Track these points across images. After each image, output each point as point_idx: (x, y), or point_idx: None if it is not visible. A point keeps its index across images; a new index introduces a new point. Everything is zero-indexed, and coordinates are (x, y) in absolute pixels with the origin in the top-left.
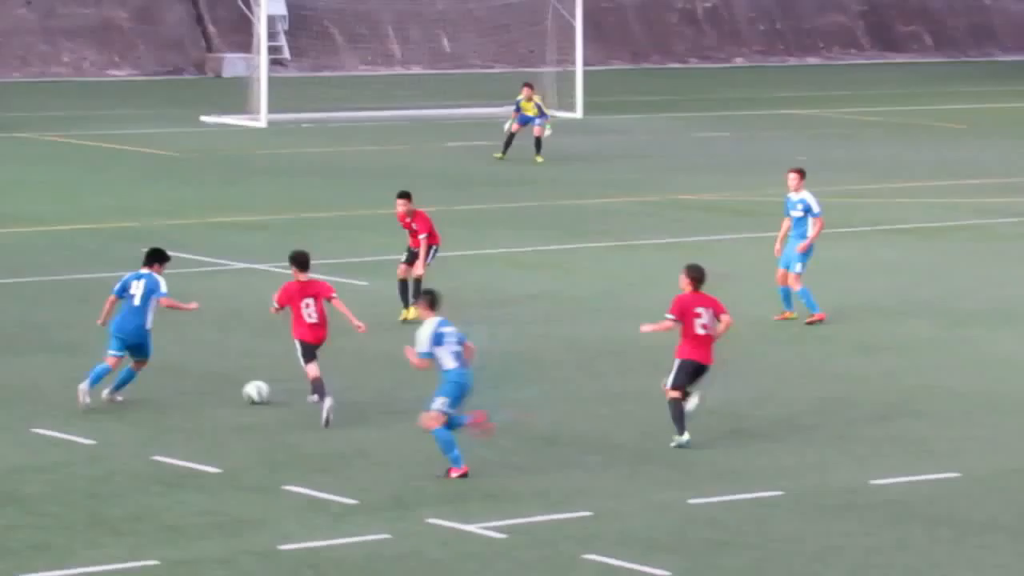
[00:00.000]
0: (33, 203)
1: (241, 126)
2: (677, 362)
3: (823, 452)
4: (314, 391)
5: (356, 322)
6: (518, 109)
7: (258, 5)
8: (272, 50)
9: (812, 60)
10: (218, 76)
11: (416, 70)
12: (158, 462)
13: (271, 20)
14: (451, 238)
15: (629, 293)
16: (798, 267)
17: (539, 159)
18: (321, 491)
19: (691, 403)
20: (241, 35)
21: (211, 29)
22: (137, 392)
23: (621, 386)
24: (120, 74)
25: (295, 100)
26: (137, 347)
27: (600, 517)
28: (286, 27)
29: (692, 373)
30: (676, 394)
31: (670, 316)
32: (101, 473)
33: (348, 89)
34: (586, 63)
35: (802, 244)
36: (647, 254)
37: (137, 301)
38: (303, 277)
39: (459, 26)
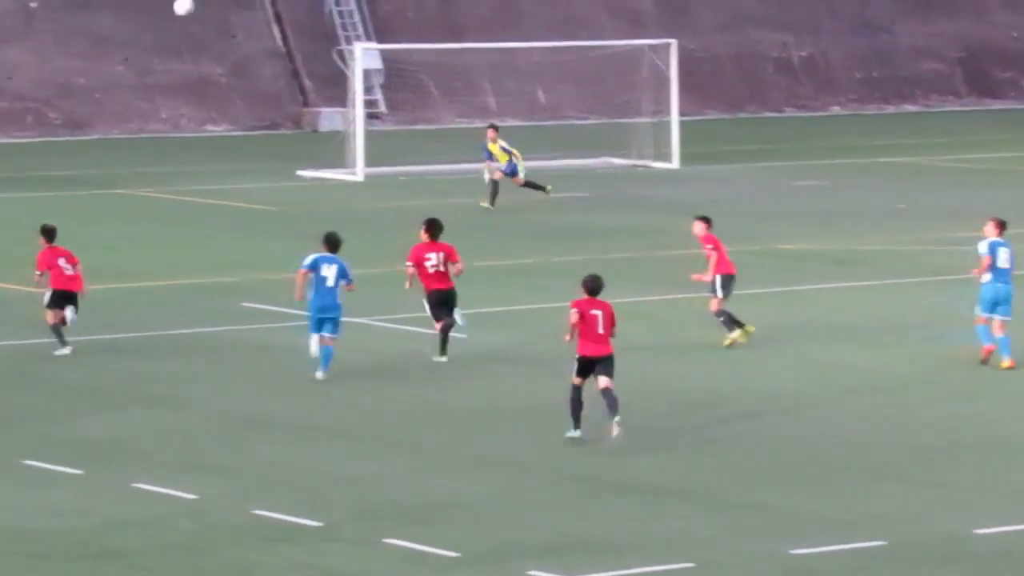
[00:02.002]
0: (132, 259)
1: (338, 180)
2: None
3: (925, 500)
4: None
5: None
6: (489, 156)
7: (354, 60)
8: (368, 104)
9: (909, 107)
10: (315, 131)
11: (512, 122)
12: (258, 516)
13: (367, 74)
14: (551, 289)
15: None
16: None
17: (484, 204)
18: (421, 544)
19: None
20: (337, 89)
21: (307, 84)
22: (235, 446)
23: (719, 433)
24: (217, 130)
25: (392, 153)
26: (332, 321)
27: (702, 568)
28: (382, 81)
29: (435, 303)
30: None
31: (409, 263)
32: (202, 527)
33: (444, 142)
34: (681, 113)
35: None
36: (745, 304)
37: (331, 283)
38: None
39: (554, 78)
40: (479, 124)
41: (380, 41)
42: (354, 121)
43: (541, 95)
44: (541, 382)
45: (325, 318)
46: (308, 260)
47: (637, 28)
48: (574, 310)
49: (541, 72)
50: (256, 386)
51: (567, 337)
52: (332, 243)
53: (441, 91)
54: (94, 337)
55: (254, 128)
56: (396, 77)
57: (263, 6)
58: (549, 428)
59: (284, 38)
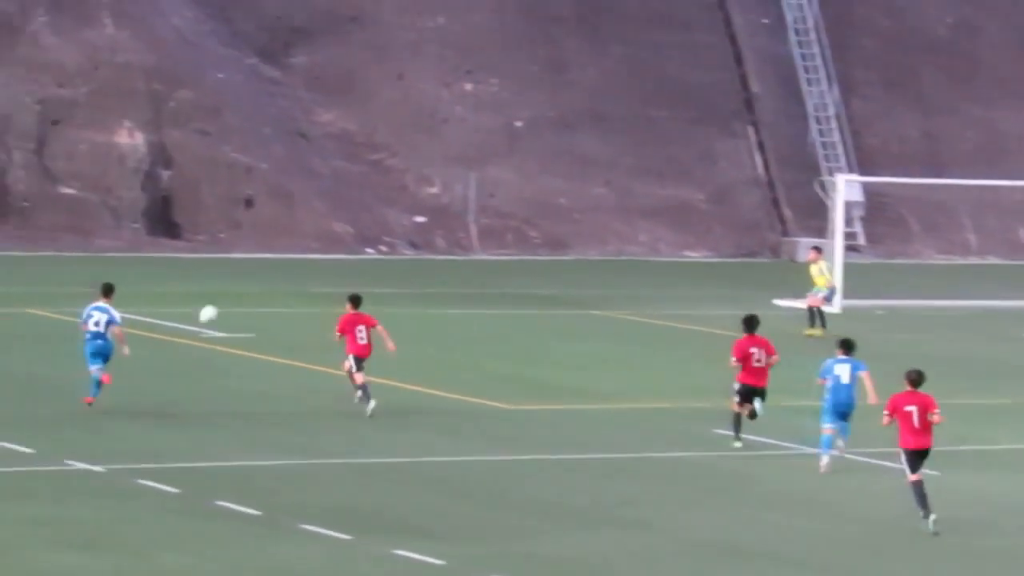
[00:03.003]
0: (607, 380)
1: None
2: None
3: None
4: None
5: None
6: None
7: (835, 191)
8: (847, 236)
9: None
10: (792, 260)
11: (991, 260)
12: None
13: (847, 206)
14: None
15: None
16: None
17: (813, 332)
18: None
19: None
20: (816, 220)
21: (787, 213)
22: (703, 573)
23: None
24: (695, 255)
25: (869, 286)
26: (848, 416)
27: None
28: (862, 213)
29: (746, 395)
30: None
31: (734, 358)
32: None
33: (923, 277)
34: None
35: None
36: None
37: (845, 380)
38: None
39: None
40: (959, 261)
41: (862, 173)
42: (833, 252)
43: (1023, 234)
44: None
45: (841, 412)
46: (823, 367)
47: None
48: (886, 412)
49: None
50: (725, 513)
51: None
52: (848, 347)
53: (921, 226)
54: (565, 456)
55: (731, 255)
56: (876, 210)
57: (747, 134)
58: None
59: (766, 166)
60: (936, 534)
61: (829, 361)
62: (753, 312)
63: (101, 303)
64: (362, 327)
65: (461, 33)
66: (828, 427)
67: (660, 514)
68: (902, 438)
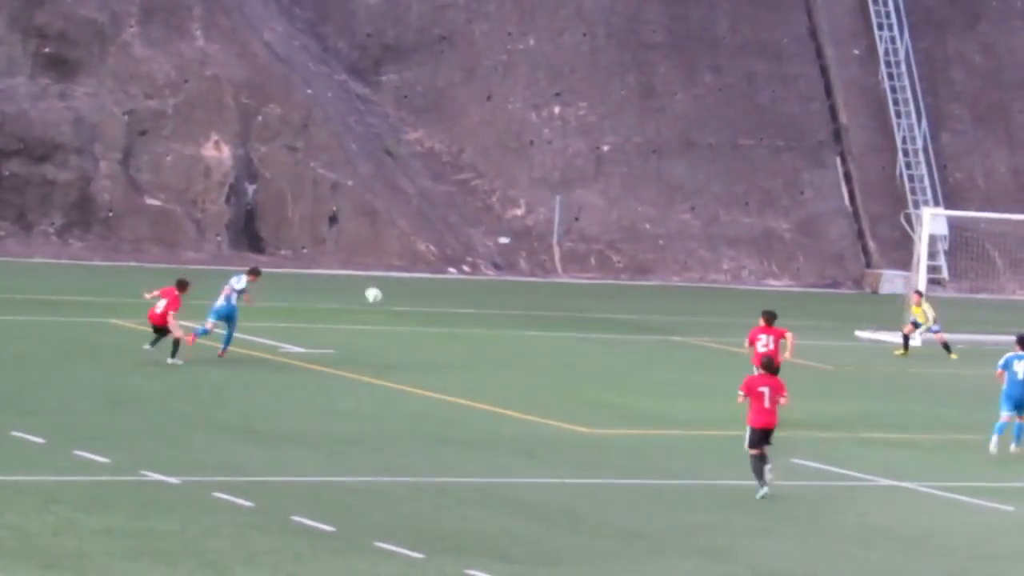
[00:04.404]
0: (685, 406)
1: (895, 343)
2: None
3: None
4: None
5: None
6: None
7: (920, 225)
8: (931, 270)
9: None
10: (875, 292)
11: None
12: None
13: (932, 240)
14: None
15: None
16: None
17: (953, 356)
18: None
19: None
20: (901, 253)
21: (871, 245)
22: None
23: None
24: (778, 284)
25: (951, 321)
26: (1021, 407)
27: None
28: (946, 247)
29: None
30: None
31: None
32: None
33: (1005, 313)
34: None
35: None
36: None
37: (1020, 376)
38: None
39: None
40: None
41: (948, 207)
42: (916, 285)
43: None
44: None
45: (1016, 403)
46: (1002, 360)
47: None
48: (741, 392)
49: None
50: (800, 543)
51: (740, 400)
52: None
53: (1005, 262)
54: (642, 481)
55: (814, 285)
56: (961, 244)
57: (835, 164)
58: None
59: (852, 197)
60: (763, 498)
61: (1009, 356)
62: (772, 309)
63: (245, 276)
64: (164, 300)
65: (551, 56)
66: (1005, 414)
67: (736, 542)
68: (751, 417)
